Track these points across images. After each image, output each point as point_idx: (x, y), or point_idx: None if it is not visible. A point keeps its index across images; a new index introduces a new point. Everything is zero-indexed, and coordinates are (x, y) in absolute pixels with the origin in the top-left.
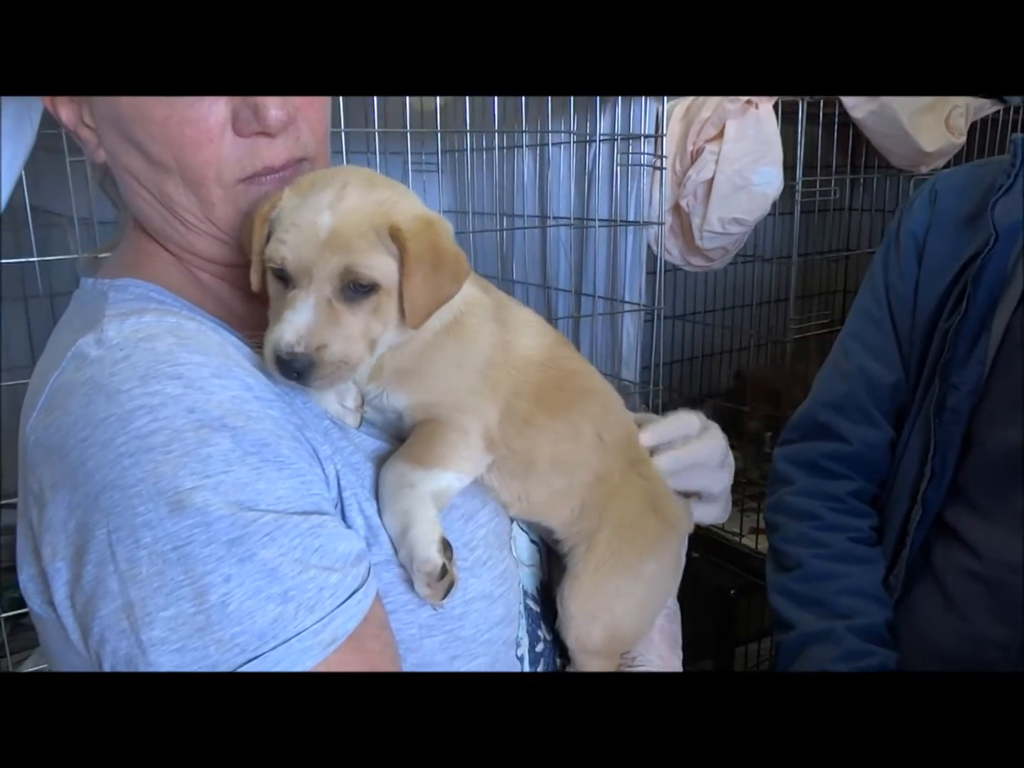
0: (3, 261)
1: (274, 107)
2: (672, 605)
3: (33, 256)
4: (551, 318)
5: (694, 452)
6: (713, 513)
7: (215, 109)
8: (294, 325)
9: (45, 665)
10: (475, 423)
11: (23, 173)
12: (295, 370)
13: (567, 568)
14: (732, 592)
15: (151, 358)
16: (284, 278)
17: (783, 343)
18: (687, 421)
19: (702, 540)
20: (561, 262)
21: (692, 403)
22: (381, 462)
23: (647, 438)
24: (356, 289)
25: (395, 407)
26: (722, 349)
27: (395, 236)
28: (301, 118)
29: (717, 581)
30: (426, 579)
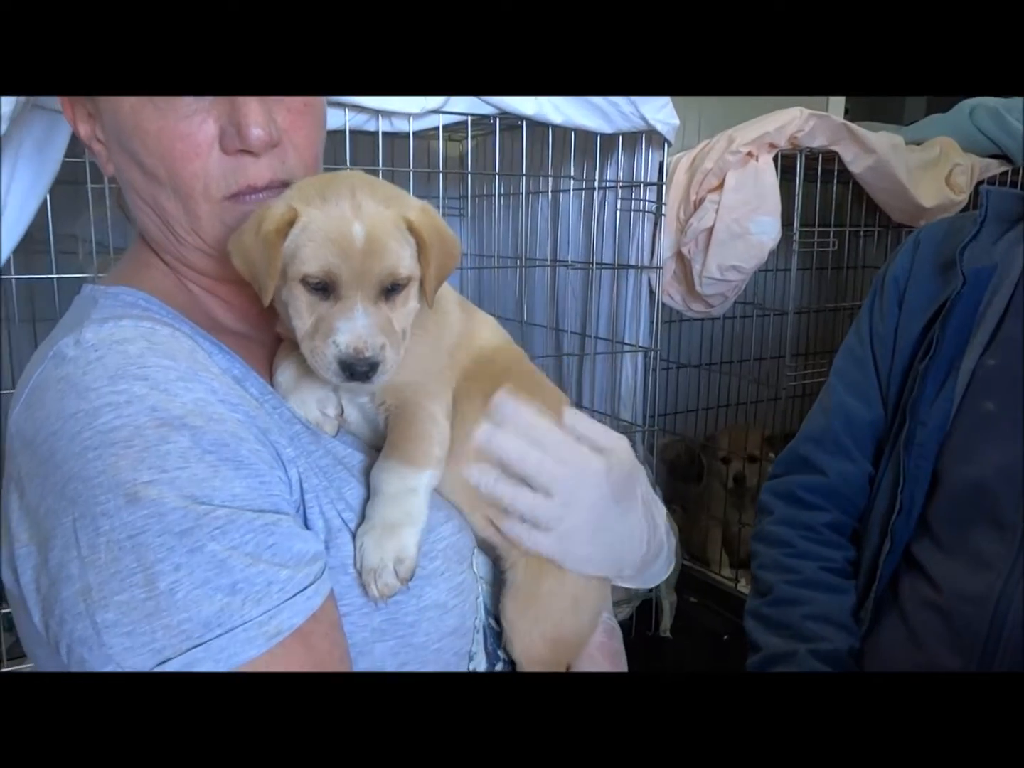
0: (14, 278)
1: (256, 126)
2: (610, 620)
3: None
4: (558, 356)
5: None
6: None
7: (205, 126)
8: (355, 331)
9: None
10: (440, 408)
11: (48, 197)
12: (362, 372)
13: (506, 582)
14: (725, 637)
15: (122, 360)
16: (322, 289)
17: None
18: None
19: (697, 585)
20: (569, 304)
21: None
22: (354, 468)
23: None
24: (393, 287)
25: (369, 388)
26: (728, 401)
27: (411, 229)
28: (288, 142)
29: (710, 625)
30: (405, 574)
